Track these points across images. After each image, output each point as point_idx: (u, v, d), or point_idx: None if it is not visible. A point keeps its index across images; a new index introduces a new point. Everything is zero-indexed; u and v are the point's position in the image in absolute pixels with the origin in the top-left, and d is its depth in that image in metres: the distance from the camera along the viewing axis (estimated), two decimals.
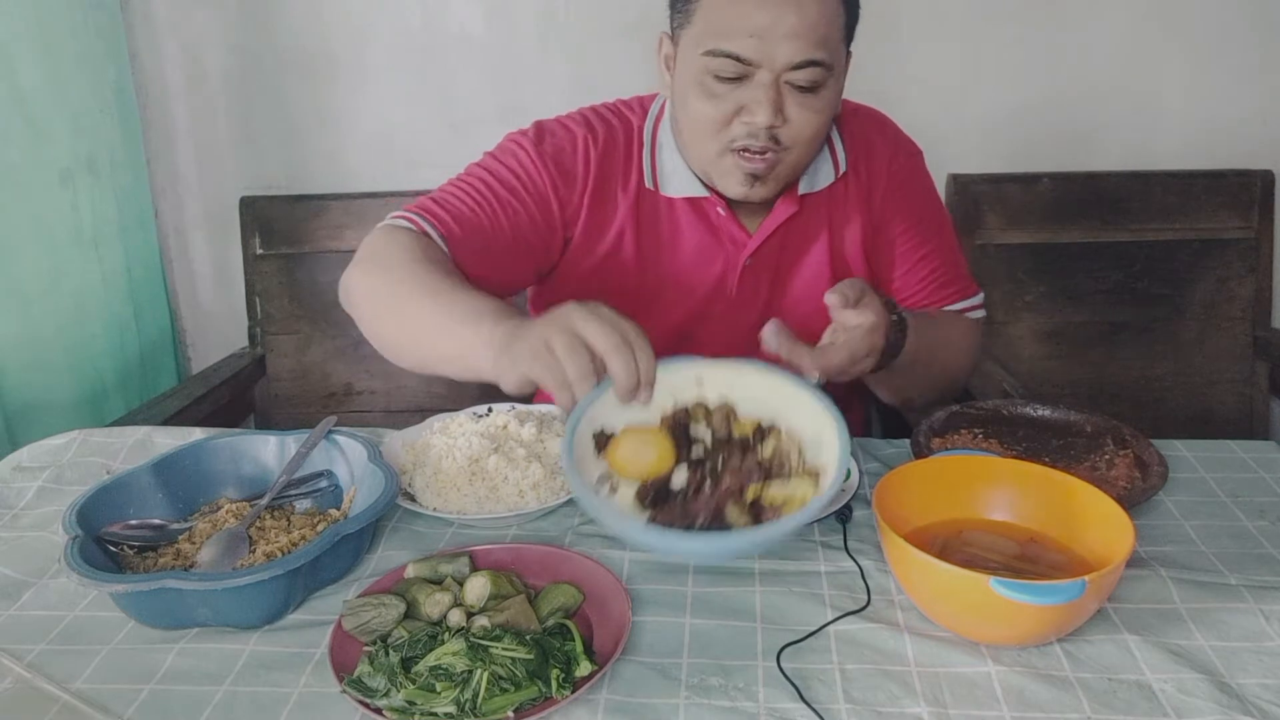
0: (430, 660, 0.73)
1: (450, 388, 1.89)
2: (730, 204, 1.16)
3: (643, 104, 1.22)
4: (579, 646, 0.75)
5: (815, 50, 1.00)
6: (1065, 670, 0.74)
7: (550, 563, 0.87)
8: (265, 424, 1.93)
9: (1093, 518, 0.82)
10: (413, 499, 0.98)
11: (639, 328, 0.79)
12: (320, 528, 0.93)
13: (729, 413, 0.81)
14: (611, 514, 0.72)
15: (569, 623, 0.78)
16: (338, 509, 0.97)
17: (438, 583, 0.83)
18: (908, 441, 1.08)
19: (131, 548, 0.90)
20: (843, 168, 1.18)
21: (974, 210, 1.85)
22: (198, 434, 1.14)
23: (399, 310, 0.99)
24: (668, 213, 1.18)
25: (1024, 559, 0.83)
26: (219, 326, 2.09)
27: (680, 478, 0.77)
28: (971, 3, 1.84)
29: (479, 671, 0.72)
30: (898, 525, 0.78)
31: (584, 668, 0.73)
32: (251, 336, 1.93)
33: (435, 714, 0.70)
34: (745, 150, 1.05)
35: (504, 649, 0.73)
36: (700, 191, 1.15)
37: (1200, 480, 1.03)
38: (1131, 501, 0.89)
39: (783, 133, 1.04)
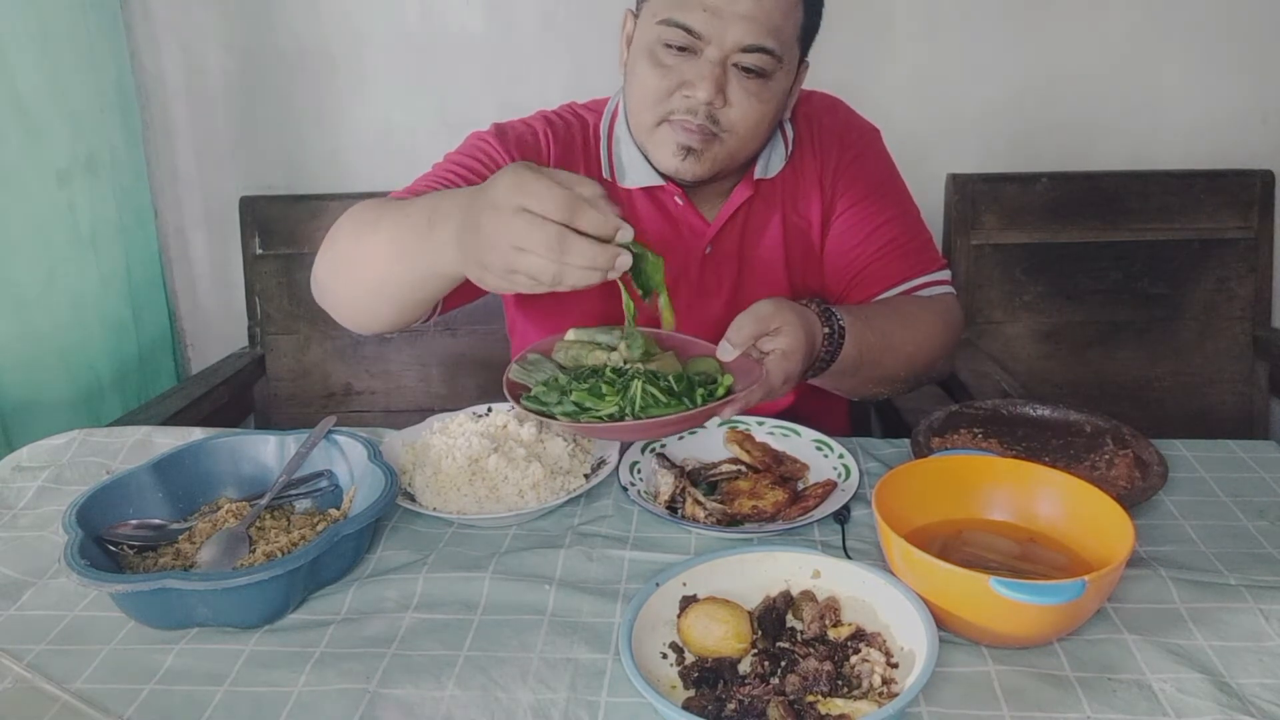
0: (594, 379, 0.87)
1: (450, 387, 1.89)
2: (688, 193, 1.17)
3: (599, 104, 1.24)
4: (728, 379, 0.89)
5: (766, 37, 1.02)
6: (1065, 670, 0.74)
7: (694, 351, 0.99)
8: (265, 424, 1.93)
9: (1093, 518, 0.82)
10: (413, 499, 0.98)
11: (590, 182, 0.81)
12: (320, 528, 0.93)
13: (830, 612, 0.77)
14: (639, 683, 0.67)
15: (715, 363, 0.93)
16: (338, 509, 0.97)
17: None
18: (908, 441, 1.08)
19: (131, 548, 0.90)
20: (790, 148, 1.19)
21: (972, 210, 1.85)
22: (197, 434, 1.14)
23: (355, 262, 0.98)
24: (628, 207, 1.19)
25: (1024, 559, 0.83)
26: (219, 326, 2.08)
27: (745, 665, 0.74)
28: (969, 2, 1.84)
29: (636, 381, 0.85)
30: (897, 525, 0.78)
31: (727, 380, 0.88)
32: (251, 336, 1.93)
33: (600, 415, 0.84)
34: (682, 122, 1.06)
35: (657, 374, 0.88)
36: (657, 180, 1.16)
37: (1200, 480, 1.03)
38: (1131, 501, 0.89)
39: (722, 115, 1.06)
